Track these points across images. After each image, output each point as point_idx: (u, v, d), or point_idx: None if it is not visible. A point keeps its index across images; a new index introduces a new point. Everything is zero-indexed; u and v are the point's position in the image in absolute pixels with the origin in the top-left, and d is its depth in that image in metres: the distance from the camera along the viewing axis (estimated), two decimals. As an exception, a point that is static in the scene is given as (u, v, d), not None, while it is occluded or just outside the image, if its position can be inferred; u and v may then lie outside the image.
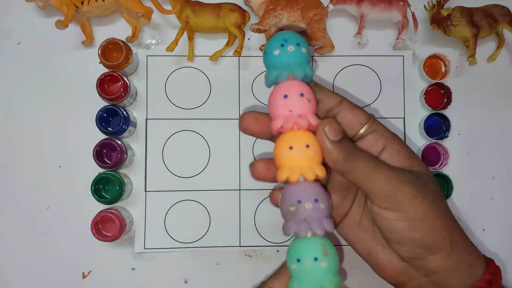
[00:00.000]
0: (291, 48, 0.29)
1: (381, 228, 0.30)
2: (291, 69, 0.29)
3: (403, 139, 0.52)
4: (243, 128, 0.32)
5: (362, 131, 0.31)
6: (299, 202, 0.28)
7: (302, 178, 0.28)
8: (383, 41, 0.53)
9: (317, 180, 0.29)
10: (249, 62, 0.52)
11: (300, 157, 0.28)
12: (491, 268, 0.32)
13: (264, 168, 0.31)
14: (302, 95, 0.28)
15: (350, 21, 0.53)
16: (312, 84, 0.31)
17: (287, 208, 0.28)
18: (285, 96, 0.28)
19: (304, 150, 0.28)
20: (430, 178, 0.31)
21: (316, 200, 0.28)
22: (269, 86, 0.30)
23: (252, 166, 0.32)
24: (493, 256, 0.51)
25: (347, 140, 0.29)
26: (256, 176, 0.32)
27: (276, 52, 0.29)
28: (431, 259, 0.30)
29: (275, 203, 0.32)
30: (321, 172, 0.28)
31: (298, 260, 0.27)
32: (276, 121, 0.29)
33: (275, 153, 0.29)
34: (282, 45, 0.29)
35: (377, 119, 0.31)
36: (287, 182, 0.29)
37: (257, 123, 0.31)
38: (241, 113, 0.51)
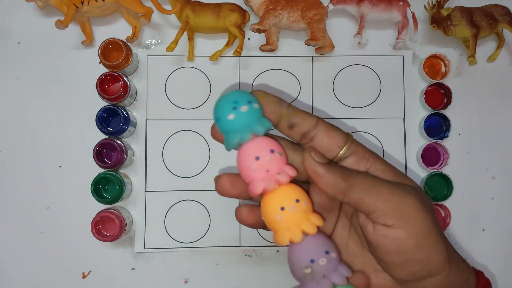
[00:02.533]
0: (244, 108, 0.27)
1: (386, 250, 0.28)
2: (251, 128, 0.27)
3: (403, 139, 0.52)
4: (220, 192, 0.30)
5: (341, 153, 0.29)
6: (312, 261, 0.26)
7: (304, 235, 0.27)
8: (383, 41, 0.53)
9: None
10: (249, 62, 0.52)
11: (295, 216, 0.26)
12: (482, 282, 0.31)
13: (229, 184, 0.30)
14: (272, 151, 0.27)
15: (350, 21, 0.53)
16: (285, 105, 0.29)
17: (302, 271, 0.27)
18: (257, 158, 0.27)
19: (296, 206, 0.26)
20: (423, 192, 0.30)
21: (327, 252, 0.27)
22: (230, 150, 0.29)
23: (217, 181, 0.30)
24: (492, 257, 0.51)
25: (335, 164, 0.28)
26: (220, 191, 0.30)
27: (231, 116, 0.27)
28: (432, 281, 0.28)
29: (241, 221, 0.30)
30: (318, 222, 0.27)
31: None
32: (255, 186, 0.27)
33: (266, 217, 0.27)
34: (235, 108, 0.27)
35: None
36: (290, 243, 0.27)
37: (234, 187, 0.29)
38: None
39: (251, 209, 0.30)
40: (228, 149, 0.29)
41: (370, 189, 0.27)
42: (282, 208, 0.26)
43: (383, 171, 0.29)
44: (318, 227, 0.27)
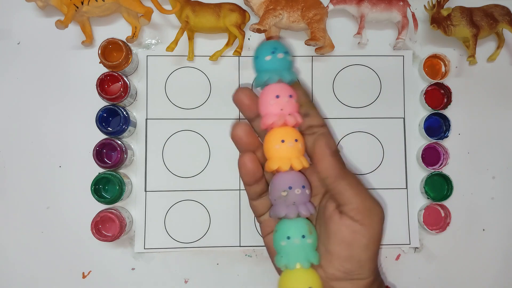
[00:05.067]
0: (280, 55, 0.32)
1: (340, 239, 0.32)
2: (280, 74, 0.32)
3: (403, 139, 0.52)
4: (233, 136, 0.33)
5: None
6: (290, 188, 0.31)
7: (290, 168, 0.32)
8: (383, 41, 0.53)
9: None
10: (249, 62, 0.52)
11: (290, 150, 0.31)
12: None
13: (245, 131, 0.33)
14: (291, 96, 0.32)
15: (350, 21, 0.53)
16: (298, 85, 0.34)
17: (278, 193, 0.32)
18: (277, 96, 0.32)
19: (294, 143, 0.31)
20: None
21: (303, 187, 0.32)
22: (257, 87, 0.33)
23: (235, 126, 0.33)
24: (492, 257, 0.51)
25: (339, 155, 0.33)
26: (234, 135, 0.33)
27: (268, 57, 0.32)
28: (356, 283, 0.32)
29: (236, 139, 0.33)
30: (306, 163, 0.32)
31: (288, 238, 0.31)
32: (268, 118, 0.32)
33: (267, 146, 0.32)
34: (273, 52, 0.32)
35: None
36: (277, 171, 0.32)
37: (248, 136, 0.33)
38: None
39: (249, 131, 0.33)
40: (257, 85, 0.33)
41: (356, 185, 0.32)
42: (283, 141, 0.31)
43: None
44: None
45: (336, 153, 0.32)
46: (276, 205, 0.32)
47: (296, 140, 0.32)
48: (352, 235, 0.31)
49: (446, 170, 0.51)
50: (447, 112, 0.51)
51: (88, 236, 0.46)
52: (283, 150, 0.32)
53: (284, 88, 0.32)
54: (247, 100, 0.33)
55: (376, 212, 0.32)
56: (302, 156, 0.32)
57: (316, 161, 0.32)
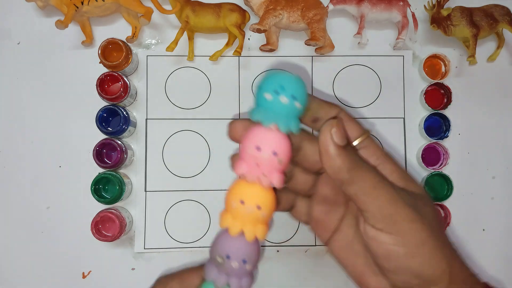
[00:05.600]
0: (284, 99, 0.26)
1: (375, 254, 0.28)
2: (276, 119, 0.26)
3: (403, 139, 0.52)
4: (231, 136, 0.30)
5: (354, 144, 0.29)
6: (227, 257, 0.27)
7: (241, 233, 0.28)
8: (383, 41, 0.53)
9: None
10: (249, 62, 0.52)
11: (247, 215, 0.27)
12: None
13: (242, 129, 0.29)
14: (275, 153, 0.26)
15: (350, 21, 0.53)
16: (310, 97, 0.29)
17: (214, 256, 0.28)
18: (258, 148, 0.26)
19: (254, 210, 0.27)
20: (428, 201, 0.29)
21: (244, 261, 0.27)
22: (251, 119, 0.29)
23: (231, 124, 0.29)
24: (492, 257, 0.51)
25: (351, 149, 0.27)
26: (232, 135, 0.29)
27: (268, 96, 0.26)
28: None
29: (232, 134, 0.30)
30: (261, 235, 0.28)
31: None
32: (239, 167, 0.27)
33: (227, 196, 0.28)
34: (276, 92, 0.26)
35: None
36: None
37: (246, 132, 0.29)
38: (241, 113, 0.51)
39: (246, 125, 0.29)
40: (250, 118, 0.28)
41: (369, 190, 0.26)
42: (242, 202, 0.27)
43: (392, 172, 0.28)
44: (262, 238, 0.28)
45: (344, 147, 0.26)
46: (209, 264, 0.29)
47: (258, 207, 0.27)
48: (382, 246, 0.27)
49: (446, 170, 0.51)
50: (447, 112, 0.51)
51: (88, 236, 0.46)
52: (238, 212, 0.27)
53: (269, 141, 0.26)
54: (242, 132, 0.28)
55: (401, 214, 0.26)
56: (262, 225, 0.28)
57: (321, 158, 0.27)
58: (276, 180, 0.27)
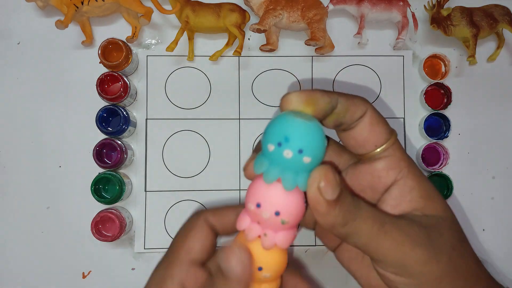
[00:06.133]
0: (287, 153, 0.22)
1: (386, 283, 0.26)
2: (281, 174, 0.22)
3: (403, 139, 0.52)
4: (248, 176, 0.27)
5: (374, 153, 0.26)
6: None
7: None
8: (383, 41, 0.53)
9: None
10: (249, 62, 0.52)
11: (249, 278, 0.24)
12: None
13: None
14: (278, 213, 0.23)
15: (350, 21, 0.53)
16: (335, 97, 0.25)
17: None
18: (258, 205, 0.23)
19: (256, 272, 0.24)
20: (447, 224, 0.26)
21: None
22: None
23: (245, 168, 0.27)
24: (492, 257, 0.51)
25: (346, 195, 0.24)
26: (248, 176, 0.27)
27: (270, 147, 0.22)
28: None
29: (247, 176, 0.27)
30: None
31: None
32: (241, 221, 0.25)
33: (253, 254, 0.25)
34: (279, 144, 0.22)
35: None
36: None
37: None
38: (241, 113, 0.51)
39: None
40: (254, 169, 0.25)
41: (370, 240, 0.24)
42: (260, 268, 0.25)
43: (411, 190, 0.26)
44: None
45: (336, 199, 0.23)
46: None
47: (260, 269, 0.24)
48: (394, 285, 0.25)
49: (446, 170, 0.51)
50: (447, 112, 0.51)
51: (88, 236, 0.46)
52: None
53: (272, 199, 0.23)
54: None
55: (412, 257, 0.24)
56: (267, 284, 0.26)
57: (313, 212, 0.23)
58: (281, 240, 0.24)
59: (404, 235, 0.24)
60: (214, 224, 0.29)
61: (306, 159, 0.22)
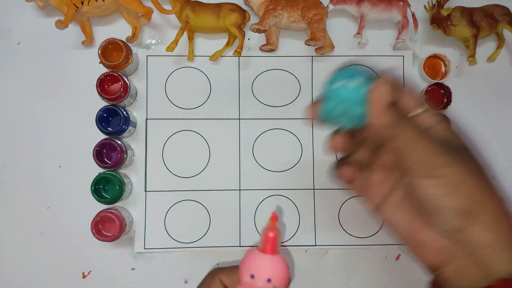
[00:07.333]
0: (353, 83, 0.29)
1: (418, 198, 0.31)
2: (349, 107, 0.29)
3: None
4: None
5: (420, 111, 0.32)
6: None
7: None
8: (383, 41, 0.53)
9: None
10: (249, 62, 0.52)
11: None
12: None
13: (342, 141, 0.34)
14: (269, 280, 0.28)
15: (350, 21, 0.53)
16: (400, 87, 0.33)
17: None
18: (252, 277, 0.28)
19: None
20: (468, 151, 0.32)
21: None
22: (322, 117, 0.31)
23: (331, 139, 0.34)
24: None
25: (397, 108, 0.31)
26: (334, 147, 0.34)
27: (339, 84, 0.29)
28: (473, 232, 0.29)
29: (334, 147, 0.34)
30: None
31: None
32: None
33: None
34: (346, 79, 0.29)
35: None
36: None
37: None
38: (241, 113, 0.51)
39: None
40: (322, 115, 0.30)
41: (411, 143, 0.30)
42: None
43: (442, 129, 0.32)
44: None
45: (391, 105, 0.30)
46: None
47: None
48: (424, 190, 0.30)
49: (446, 170, 0.51)
50: (447, 112, 0.51)
51: (88, 236, 0.46)
52: None
53: (264, 267, 0.28)
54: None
55: (437, 161, 0.30)
56: None
57: (369, 113, 0.30)
58: None
59: (435, 143, 0.30)
60: (226, 283, 0.34)
61: (365, 90, 0.29)
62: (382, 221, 0.36)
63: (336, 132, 0.34)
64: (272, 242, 0.30)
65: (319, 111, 0.30)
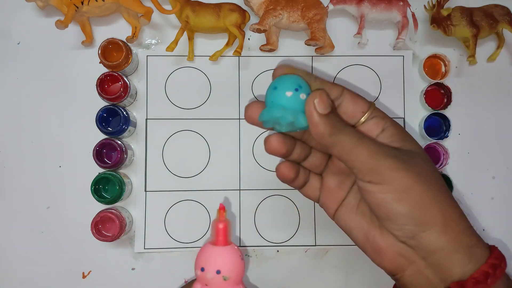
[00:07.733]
0: (303, 96, 0.30)
1: (370, 204, 0.31)
2: (295, 116, 0.30)
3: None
4: (269, 151, 0.34)
5: (363, 119, 0.32)
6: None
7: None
8: (383, 41, 0.53)
9: None
10: (249, 62, 0.52)
11: None
12: (495, 253, 0.31)
13: (278, 142, 0.33)
14: (218, 272, 0.28)
15: (350, 21, 0.53)
16: (313, 77, 0.32)
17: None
18: (202, 269, 0.28)
19: None
20: (419, 155, 0.32)
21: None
22: (263, 122, 0.32)
23: (266, 140, 0.33)
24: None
25: (334, 114, 0.31)
26: (270, 150, 0.34)
27: (289, 94, 0.30)
28: (425, 236, 0.29)
29: (272, 150, 0.34)
30: None
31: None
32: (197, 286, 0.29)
33: None
34: (296, 89, 0.30)
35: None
36: None
37: (284, 145, 0.33)
38: (241, 113, 0.51)
39: (282, 139, 0.33)
40: (263, 120, 0.31)
41: (351, 148, 0.30)
42: None
43: (392, 134, 0.32)
44: None
45: (327, 115, 0.30)
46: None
47: None
48: (372, 195, 0.30)
49: (446, 170, 0.51)
50: (447, 112, 0.51)
51: (88, 236, 0.46)
52: None
53: (213, 259, 0.28)
54: (282, 148, 0.34)
55: (384, 164, 0.29)
56: None
57: (309, 126, 0.30)
58: None
59: (378, 146, 0.30)
60: None
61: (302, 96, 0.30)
62: (339, 226, 0.36)
63: (275, 135, 0.33)
64: (223, 233, 0.30)
65: (261, 116, 0.31)
